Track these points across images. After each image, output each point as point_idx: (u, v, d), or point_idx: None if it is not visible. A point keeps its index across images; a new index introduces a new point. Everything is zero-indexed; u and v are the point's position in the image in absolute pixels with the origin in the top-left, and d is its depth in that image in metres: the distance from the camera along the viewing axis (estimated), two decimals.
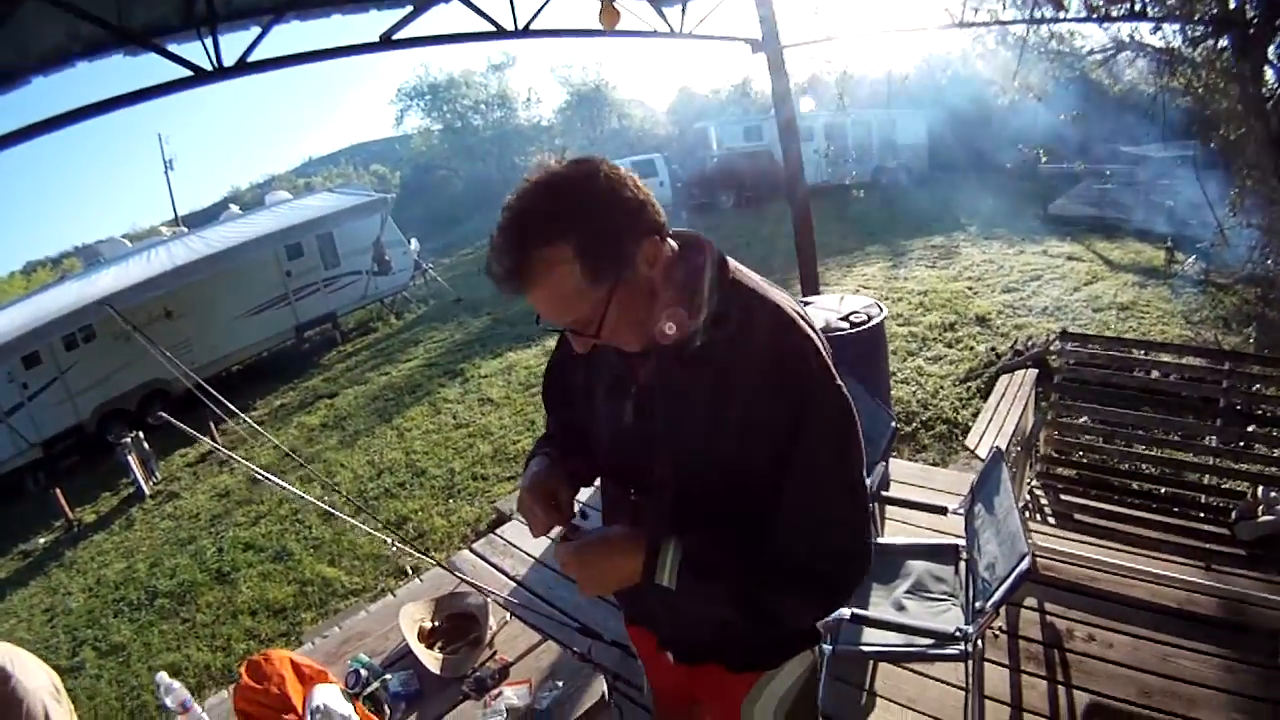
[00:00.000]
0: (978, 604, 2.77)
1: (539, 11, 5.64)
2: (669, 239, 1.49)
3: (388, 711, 2.53)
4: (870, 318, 4.95)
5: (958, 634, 2.67)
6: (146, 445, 11.22)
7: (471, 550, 5.54)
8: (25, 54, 3.97)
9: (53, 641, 7.75)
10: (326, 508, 4.58)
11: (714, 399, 1.47)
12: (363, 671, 2.64)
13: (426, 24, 5.46)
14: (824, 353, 1.48)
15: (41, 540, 10.82)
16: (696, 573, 1.46)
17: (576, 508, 1.67)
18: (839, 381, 1.47)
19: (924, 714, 3.21)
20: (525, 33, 5.65)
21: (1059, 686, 3.22)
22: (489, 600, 2.90)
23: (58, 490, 10.91)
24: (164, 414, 4.70)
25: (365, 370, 13.60)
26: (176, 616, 7.24)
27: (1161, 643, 3.31)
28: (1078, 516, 4.97)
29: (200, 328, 14.74)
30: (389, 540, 5.31)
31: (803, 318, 1.51)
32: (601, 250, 1.35)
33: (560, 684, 2.36)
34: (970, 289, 10.99)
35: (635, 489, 1.69)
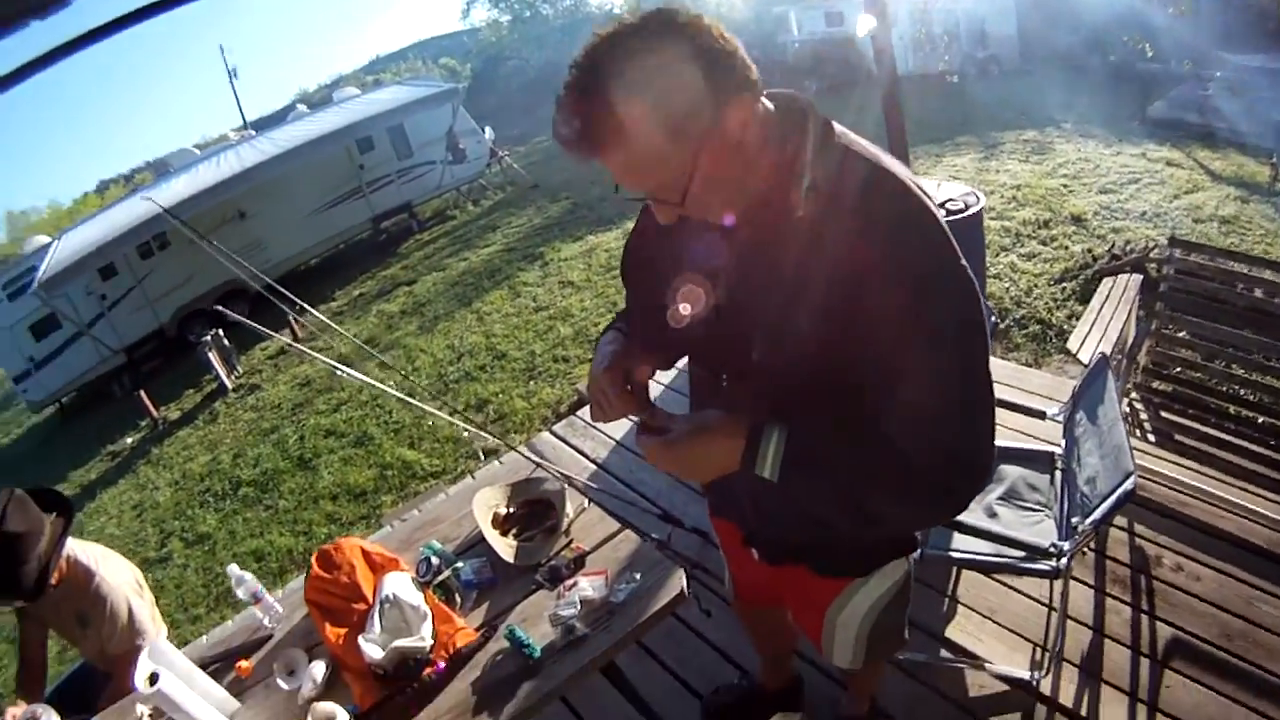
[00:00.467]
0: (1074, 519, 2.56)
1: None
2: (763, 98, 1.31)
3: (458, 600, 2.50)
4: (968, 206, 4.65)
5: (1051, 549, 2.49)
6: (227, 342, 11.49)
7: (551, 433, 5.49)
8: None
9: (141, 535, 8.16)
10: (402, 396, 4.55)
11: (818, 276, 1.29)
12: (434, 559, 2.60)
13: None
14: (946, 227, 1.28)
15: (129, 440, 11.33)
16: (801, 465, 1.31)
17: (654, 392, 1.57)
18: (963, 261, 1.27)
19: (1003, 626, 3.10)
20: None
21: (1142, 615, 3.06)
22: (566, 486, 2.80)
23: (142, 392, 11.29)
24: (227, 314, 4.66)
25: (443, 257, 13.68)
26: (259, 504, 7.52)
27: (1246, 583, 3.11)
28: (1177, 437, 4.70)
29: (274, 226, 15.11)
30: (463, 425, 5.30)
31: (920, 188, 1.31)
32: (684, 106, 1.17)
33: (638, 576, 2.28)
34: (1065, 186, 10.46)
35: (727, 375, 1.55)
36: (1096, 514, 2.39)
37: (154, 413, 11.39)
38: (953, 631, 3.13)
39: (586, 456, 5.01)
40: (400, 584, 2.44)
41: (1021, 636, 3.06)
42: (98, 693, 3.02)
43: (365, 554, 2.65)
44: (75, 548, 3.13)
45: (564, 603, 2.24)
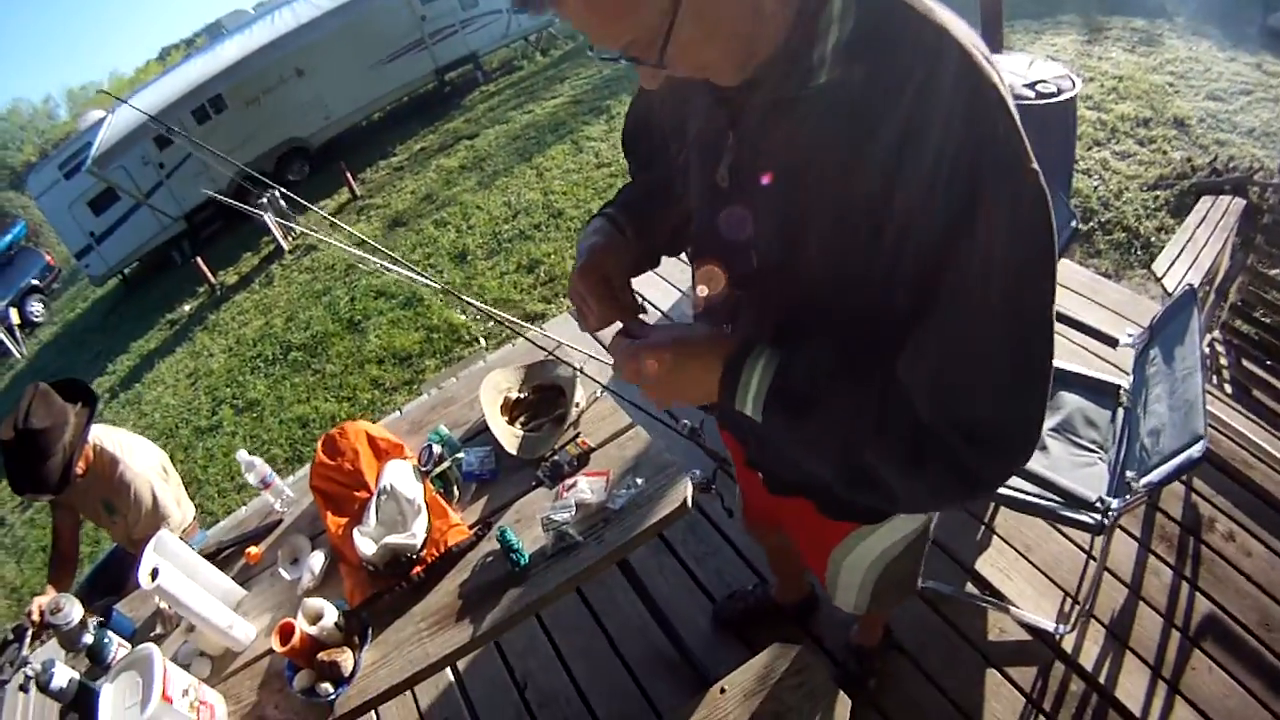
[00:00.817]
0: (1129, 473, 2.25)
1: None
2: None
3: (456, 493, 2.41)
4: (1061, 90, 4.19)
5: (1098, 504, 2.24)
6: (283, 204, 11.47)
7: (571, 314, 5.31)
8: None
9: (194, 403, 8.39)
10: (428, 281, 4.43)
11: (844, 164, 0.98)
12: (436, 448, 2.52)
13: None
14: (1017, 119, 0.93)
15: (187, 307, 11.58)
16: (787, 405, 1.06)
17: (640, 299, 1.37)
18: (1034, 165, 0.92)
19: (1037, 566, 2.91)
20: None
21: (1183, 582, 2.81)
22: (579, 372, 2.61)
23: (199, 258, 11.40)
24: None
25: (507, 109, 13.29)
26: (308, 369, 7.60)
27: None
28: (1255, 392, 4.17)
29: (334, 82, 14.88)
30: (468, 304, 5.10)
31: (989, 61, 0.95)
32: None
33: (640, 481, 2.14)
34: (1171, 85, 9.68)
35: (734, 280, 1.26)
36: (1154, 476, 2.10)
37: (211, 279, 11.56)
38: (983, 565, 2.95)
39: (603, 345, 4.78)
40: (400, 474, 2.36)
41: (1053, 581, 2.86)
42: (128, 576, 3.07)
43: (370, 439, 2.57)
44: (102, 436, 3.18)
45: (559, 505, 2.13)
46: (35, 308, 19.68)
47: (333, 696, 2.00)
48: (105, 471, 3.13)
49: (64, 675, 2.32)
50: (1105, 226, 6.37)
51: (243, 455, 2.77)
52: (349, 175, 12.10)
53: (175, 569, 2.32)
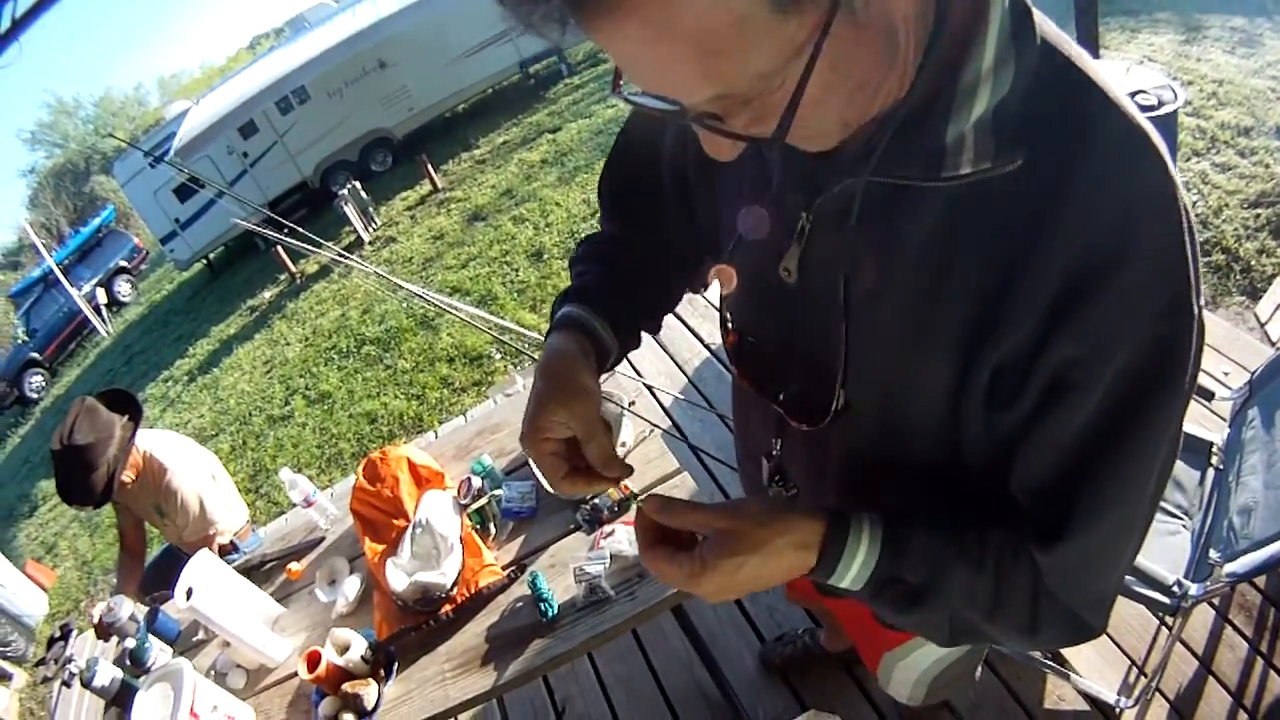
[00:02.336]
0: (1214, 554, 2.06)
1: None
2: None
3: (493, 529, 2.43)
4: (1162, 102, 3.88)
5: (1175, 589, 2.06)
6: (364, 194, 11.71)
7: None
8: None
9: (269, 391, 8.69)
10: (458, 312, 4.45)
11: (984, 291, 0.75)
12: (476, 480, 2.54)
13: None
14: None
15: (267, 295, 12.01)
16: (894, 599, 0.91)
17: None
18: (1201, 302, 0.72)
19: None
20: None
21: (1258, 659, 2.61)
22: (626, 410, 2.54)
23: (279, 247, 11.72)
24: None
25: (591, 103, 13.26)
26: (380, 364, 7.76)
27: None
28: None
29: (417, 74, 15.18)
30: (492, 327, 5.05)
31: (1155, 135, 0.73)
32: None
33: None
34: (1273, 90, 9.23)
35: (786, 404, 1.04)
36: (1239, 566, 1.93)
37: (291, 268, 11.93)
38: None
39: (701, 340, 4.80)
40: (437, 506, 2.40)
41: (1119, 648, 2.72)
42: (178, 575, 3.21)
43: (411, 467, 2.61)
44: (152, 443, 3.34)
45: (594, 555, 2.12)
46: (123, 288, 20.81)
47: None
48: (154, 479, 3.27)
49: (106, 674, 2.49)
50: (1203, 248, 6.12)
51: (285, 473, 2.84)
52: (430, 167, 12.29)
53: (211, 590, 2.41)
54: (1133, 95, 3.99)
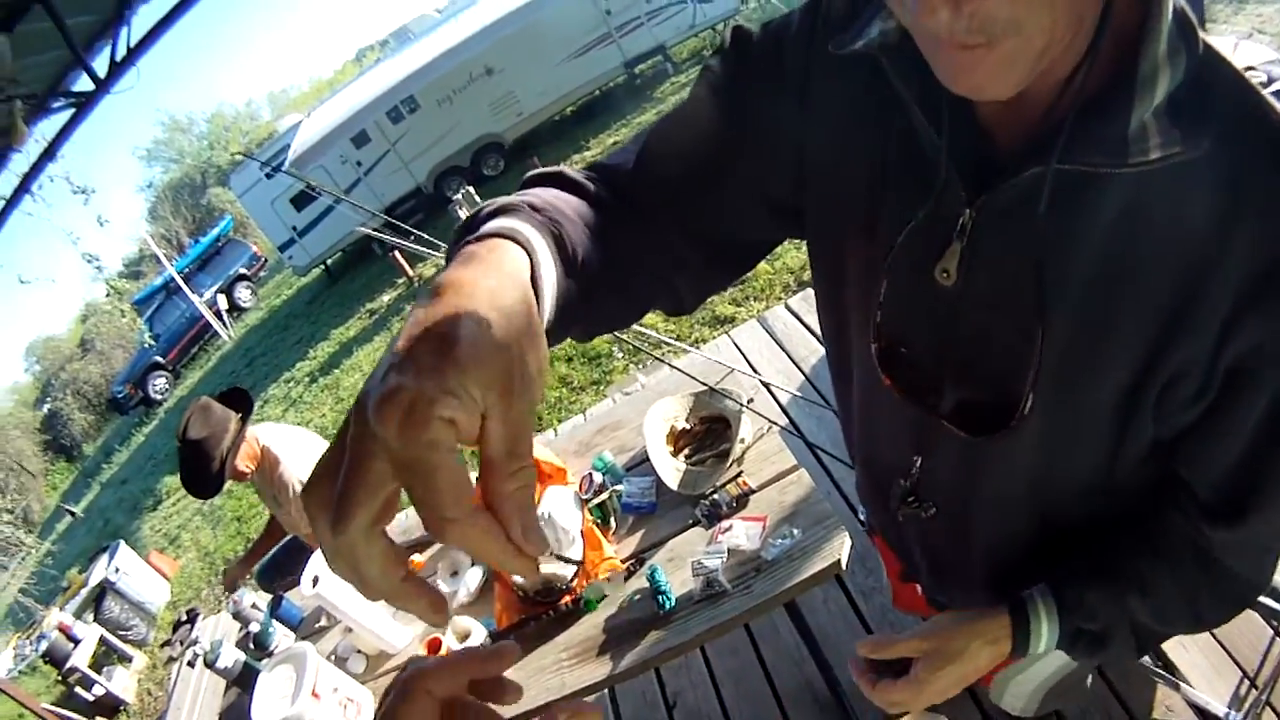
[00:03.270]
0: None
1: None
2: None
3: (614, 524, 2.52)
4: (1272, 79, 3.76)
5: None
6: (478, 198, 11.99)
7: (787, 308, 5.38)
8: None
9: None
10: None
11: (1178, 283, 0.76)
12: (598, 476, 2.63)
13: None
14: None
15: (385, 298, 12.47)
16: (1085, 646, 1.04)
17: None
18: None
19: (1218, 638, 2.65)
20: None
21: None
22: (745, 407, 2.64)
23: (396, 252, 12.12)
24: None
25: None
26: None
27: None
28: None
29: (524, 79, 15.54)
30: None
31: None
32: None
33: (796, 532, 2.15)
34: None
35: (930, 403, 1.00)
36: None
37: (409, 271, 12.39)
38: None
39: (818, 338, 4.72)
40: (559, 501, 2.48)
41: (1232, 658, 2.62)
42: (301, 564, 3.42)
43: (534, 463, 2.70)
44: (270, 437, 3.58)
45: (712, 549, 2.17)
46: (243, 294, 22.00)
47: None
48: (269, 470, 3.51)
49: (230, 656, 2.71)
50: None
51: None
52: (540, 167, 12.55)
53: (337, 578, 2.55)
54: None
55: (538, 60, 15.15)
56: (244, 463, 3.41)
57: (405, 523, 3.22)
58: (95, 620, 7.64)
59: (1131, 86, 0.70)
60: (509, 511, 0.53)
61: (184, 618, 3.40)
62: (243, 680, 2.82)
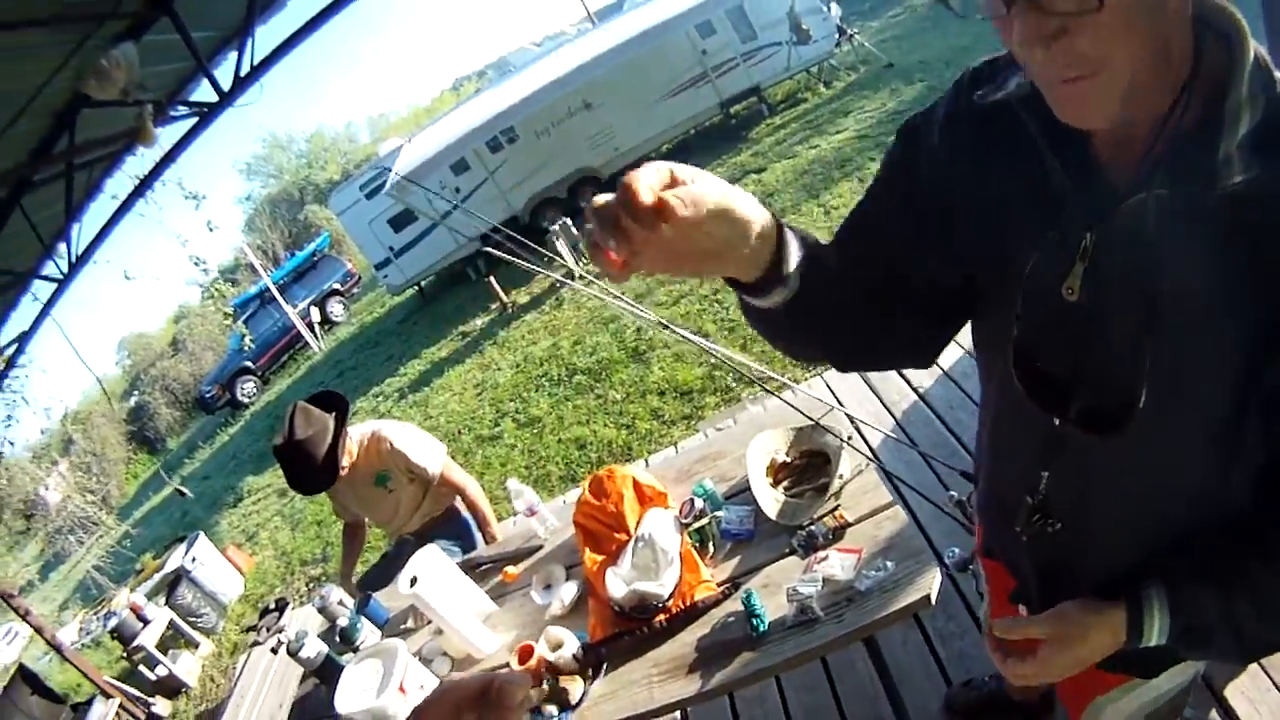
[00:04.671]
0: None
1: None
2: None
3: (711, 548, 2.64)
4: None
5: None
6: (575, 230, 12.32)
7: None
8: None
9: (478, 412, 9.39)
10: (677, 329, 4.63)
11: (1235, 273, 0.94)
12: (699, 502, 2.76)
13: None
14: None
15: (478, 322, 12.91)
16: (1195, 643, 1.19)
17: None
18: None
19: None
20: None
21: None
22: (846, 443, 2.76)
23: (492, 277, 12.48)
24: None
25: (793, 144, 13.53)
26: (590, 393, 8.20)
27: None
28: None
29: (621, 115, 16.03)
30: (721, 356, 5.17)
31: None
32: None
33: (890, 564, 2.24)
34: None
35: (1059, 412, 1.14)
36: None
37: (503, 297, 12.77)
38: (1232, 691, 2.70)
39: (910, 384, 4.94)
40: (659, 523, 2.64)
41: None
42: (395, 571, 3.60)
43: (636, 485, 2.86)
44: (366, 427, 3.84)
45: (807, 578, 2.27)
46: (335, 308, 22.81)
47: (555, 718, 2.33)
48: (374, 451, 3.75)
49: (314, 646, 2.91)
50: None
51: (513, 484, 3.17)
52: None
53: (434, 579, 2.73)
54: None
55: (635, 97, 15.58)
56: (344, 460, 3.60)
57: (502, 534, 3.40)
58: (167, 604, 8.01)
59: (1220, 123, 0.89)
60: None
61: (273, 605, 3.59)
62: (322, 672, 2.98)
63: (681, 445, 6.00)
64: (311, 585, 8.07)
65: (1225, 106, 0.89)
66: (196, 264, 11.16)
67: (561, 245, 11.87)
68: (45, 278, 6.13)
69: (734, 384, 6.81)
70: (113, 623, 7.97)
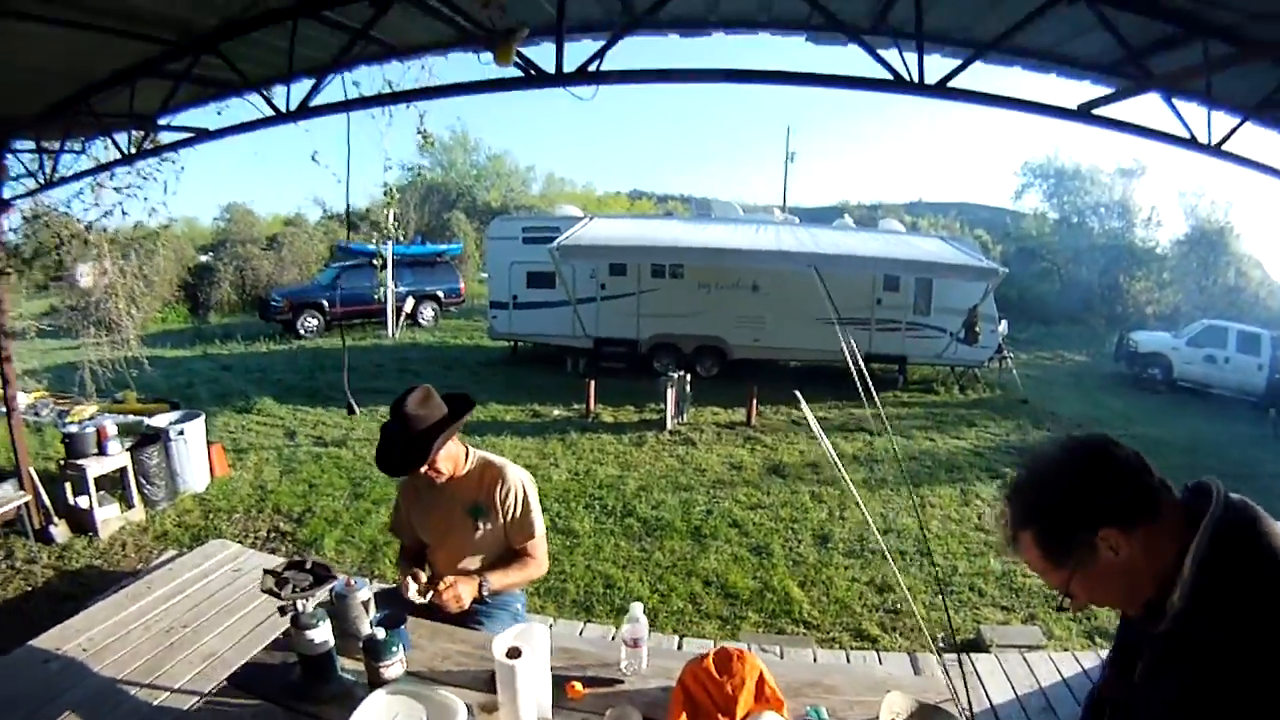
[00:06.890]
0: None
1: None
2: (1168, 511, 1.60)
3: None
4: None
5: None
6: (688, 388, 12.42)
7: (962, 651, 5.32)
8: None
9: None
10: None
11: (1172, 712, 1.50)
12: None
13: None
14: None
15: (556, 412, 13.09)
16: None
17: None
18: None
19: None
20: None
21: None
22: None
23: (591, 382, 12.88)
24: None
25: (911, 426, 13.82)
26: (638, 542, 8.03)
27: None
28: None
29: (777, 313, 16.63)
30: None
31: None
32: (1056, 541, 1.65)
33: None
34: None
35: None
36: None
37: (591, 404, 12.99)
38: None
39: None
40: None
41: None
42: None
43: (762, 679, 2.75)
44: (488, 454, 3.74)
45: None
46: (427, 312, 23.45)
47: None
48: (484, 476, 3.63)
49: (324, 634, 2.77)
50: None
51: (637, 608, 2.99)
52: (755, 401, 12.86)
53: (532, 661, 2.56)
54: None
55: (799, 306, 15.98)
56: (444, 463, 3.47)
57: (575, 643, 3.26)
58: (129, 451, 7.98)
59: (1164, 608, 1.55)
60: None
61: (308, 564, 3.28)
62: (310, 664, 2.79)
63: (758, 651, 5.80)
64: (273, 536, 7.92)
65: (1170, 595, 1.56)
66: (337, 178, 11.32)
67: (670, 393, 11.96)
68: (261, 102, 6.05)
69: (779, 613, 6.60)
70: (72, 429, 8.02)
